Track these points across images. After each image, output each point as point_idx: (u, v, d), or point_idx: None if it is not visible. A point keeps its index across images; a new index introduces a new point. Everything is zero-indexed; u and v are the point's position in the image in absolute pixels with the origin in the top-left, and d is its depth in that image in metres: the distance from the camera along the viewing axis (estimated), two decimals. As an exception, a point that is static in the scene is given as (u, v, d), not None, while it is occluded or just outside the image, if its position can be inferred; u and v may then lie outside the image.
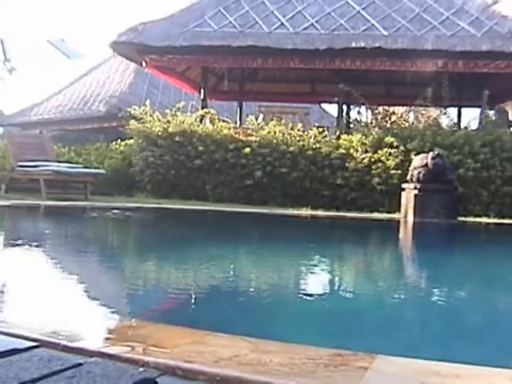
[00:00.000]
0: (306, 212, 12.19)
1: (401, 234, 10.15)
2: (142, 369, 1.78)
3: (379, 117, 16.81)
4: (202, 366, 1.80)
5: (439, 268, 5.81)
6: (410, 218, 10.93)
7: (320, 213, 12.10)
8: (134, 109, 15.32)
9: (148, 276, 4.85)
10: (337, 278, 5.36)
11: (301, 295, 4.26)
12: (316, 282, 5.02)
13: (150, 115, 15.08)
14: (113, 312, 3.23)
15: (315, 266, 5.79)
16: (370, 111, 17.65)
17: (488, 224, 11.79)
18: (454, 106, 18.62)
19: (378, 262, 6.63)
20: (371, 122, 15.84)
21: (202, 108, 16.34)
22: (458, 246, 8.53)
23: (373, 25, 15.13)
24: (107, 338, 2.30)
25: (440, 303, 4.11)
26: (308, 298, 4.13)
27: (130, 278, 4.71)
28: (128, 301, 3.74)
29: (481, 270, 5.80)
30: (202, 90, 17.12)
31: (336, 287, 4.90)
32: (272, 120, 14.92)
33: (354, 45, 14.49)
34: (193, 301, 3.86)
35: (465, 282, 5.03)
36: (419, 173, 11.20)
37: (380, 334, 3.10)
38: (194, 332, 2.31)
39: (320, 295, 4.32)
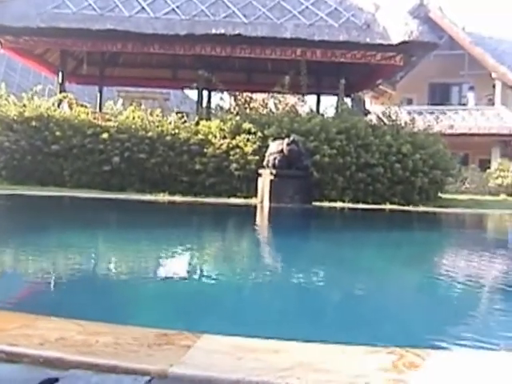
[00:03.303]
0: (163, 198, 12.19)
1: (256, 219, 10.31)
2: (-36, 355, 1.78)
3: (240, 103, 16.96)
4: (25, 348, 1.82)
5: (287, 251, 5.99)
6: (266, 203, 11.14)
7: (178, 198, 12.14)
8: (-12, 92, 14.84)
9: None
10: (186, 264, 5.42)
11: (144, 280, 4.29)
12: (163, 266, 5.09)
13: (5, 99, 14.65)
14: None
15: (166, 251, 5.84)
16: (232, 98, 17.80)
17: (342, 209, 12.17)
18: (313, 93, 19.13)
19: (230, 246, 6.74)
20: (233, 108, 15.94)
21: (60, 92, 16.04)
22: (308, 231, 8.82)
23: (233, 12, 15.25)
24: None
25: (283, 284, 4.24)
26: (150, 282, 4.19)
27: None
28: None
29: (326, 253, 6.01)
30: (60, 74, 16.76)
31: (183, 272, 4.96)
32: (131, 105, 14.82)
33: (214, 31, 14.58)
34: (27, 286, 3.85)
35: (308, 264, 5.20)
36: (275, 159, 11.42)
37: (214, 313, 3.20)
38: (24, 316, 2.31)
39: (164, 279, 4.38)
